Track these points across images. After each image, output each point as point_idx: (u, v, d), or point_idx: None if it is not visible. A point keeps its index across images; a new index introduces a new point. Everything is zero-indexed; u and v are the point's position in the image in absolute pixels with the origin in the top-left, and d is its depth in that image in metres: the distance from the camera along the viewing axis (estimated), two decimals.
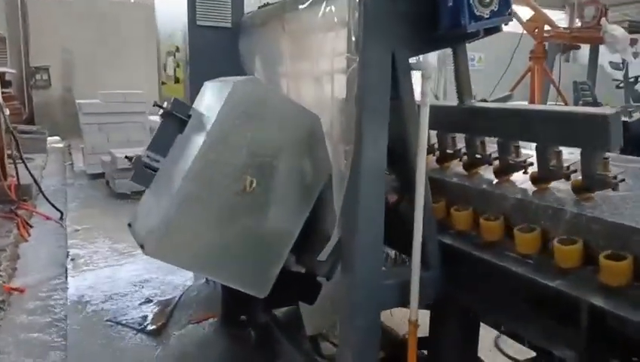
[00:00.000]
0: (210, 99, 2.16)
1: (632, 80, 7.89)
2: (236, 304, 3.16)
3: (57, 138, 11.67)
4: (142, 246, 1.96)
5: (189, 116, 2.29)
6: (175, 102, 2.26)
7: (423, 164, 1.89)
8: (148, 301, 4.03)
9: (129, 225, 2.27)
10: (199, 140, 2.01)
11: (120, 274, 4.67)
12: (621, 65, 7.65)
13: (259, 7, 2.87)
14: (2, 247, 4.90)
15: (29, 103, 12.46)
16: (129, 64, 12.68)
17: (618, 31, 6.08)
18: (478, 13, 1.75)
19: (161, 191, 2.12)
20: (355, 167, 1.89)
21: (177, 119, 2.28)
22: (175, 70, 3.06)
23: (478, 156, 2.10)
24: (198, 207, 1.97)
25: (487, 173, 2.13)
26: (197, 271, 2.01)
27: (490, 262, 1.90)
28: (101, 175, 8.10)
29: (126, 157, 2.26)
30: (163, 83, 3.36)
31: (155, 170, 2.26)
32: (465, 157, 2.18)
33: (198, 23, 2.83)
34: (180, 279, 4.44)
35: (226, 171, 2.00)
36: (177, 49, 2.96)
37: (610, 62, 7.89)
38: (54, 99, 12.82)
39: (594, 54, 8.78)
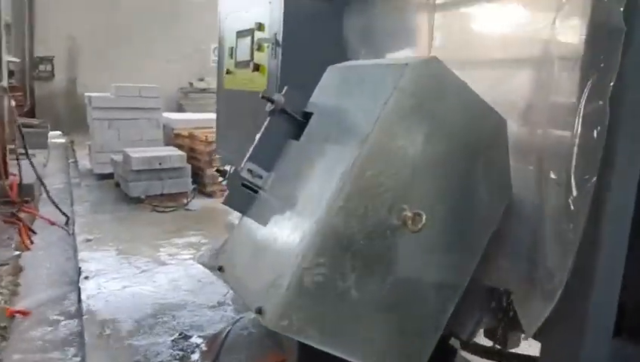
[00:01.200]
0: (352, 90, 1.49)
1: None
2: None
3: (59, 133, 10.91)
4: (259, 311, 1.27)
5: (306, 115, 1.61)
6: (289, 94, 1.58)
7: None
8: (184, 336, 3.32)
9: (220, 268, 1.57)
10: (346, 149, 1.34)
11: (143, 297, 3.95)
12: None
13: None
14: (3, 261, 4.18)
15: (31, 95, 11.70)
16: (147, 55, 11.97)
17: None
18: None
19: (278, 225, 1.44)
20: (599, 204, 1.22)
21: (289, 119, 1.61)
22: (253, 54, 2.37)
23: None
24: (345, 253, 1.29)
25: None
26: (337, 351, 1.30)
27: None
28: (110, 175, 7.38)
29: (217, 170, 1.57)
30: (228, 72, 2.66)
31: (255, 189, 1.58)
32: None
33: None
34: (217, 307, 3.76)
35: (384, 197, 1.33)
36: (261, 27, 2.27)
37: None
38: (57, 92, 12.07)
39: None
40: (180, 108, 12.18)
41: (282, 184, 1.53)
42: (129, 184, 6.43)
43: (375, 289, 1.34)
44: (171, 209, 6.31)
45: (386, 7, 2.01)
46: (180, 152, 6.82)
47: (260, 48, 2.26)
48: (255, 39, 2.32)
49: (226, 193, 1.54)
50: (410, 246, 1.38)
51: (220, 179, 1.57)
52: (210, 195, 6.85)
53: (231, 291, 4.04)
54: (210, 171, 6.81)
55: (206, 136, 6.83)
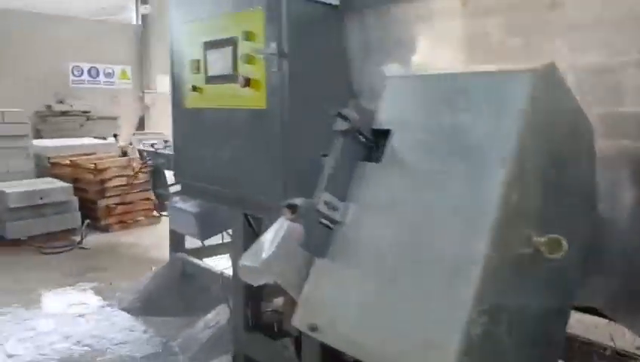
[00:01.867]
0: (453, 103, 1.28)
1: None
2: None
3: None
4: None
5: (376, 134, 1.36)
6: (361, 109, 1.33)
7: None
8: None
9: (313, 328, 1.26)
10: (476, 170, 1.14)
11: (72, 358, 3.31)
12: None
13: None
14: None
15: None
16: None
17: None
18: None
19: (393, 266, 1.18)
20: None
21: (358, 138, 1.35)
22: (236, 67, 2.03)
23: None
24: (498, 293, 1.09)
25: None
26: None
27: None
28: None
29: (289, 205, 1.24)
30: (194, 89, 2.26)
31: (330, 226, 1.30)
32: None
33: None
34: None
35: (523, 223, 1.16)
36: (249, 36, 1.93)
37: None
38: None
39: None
40: (36, 135, 10.76)
41: (371, 215, 1.27)
42: (5, 224, 5.47)
43: (522, 328, 1.16)
44: (62, 249, 5.48)
45: (397, 15, 1.82)
46: (64, 184, 5.97)
47: (249, 61, 1.94)
48: (241, 50, 1.98)
49: (303, 232, 1.23)
50: (540, 274, 1.22)
51: (288, 215, 1.24)
52: (105, 229, 6.09)
53: (175, 337, 3.54)
54: (103, 203, 6.07)
55: (95, 164, 6.06)
